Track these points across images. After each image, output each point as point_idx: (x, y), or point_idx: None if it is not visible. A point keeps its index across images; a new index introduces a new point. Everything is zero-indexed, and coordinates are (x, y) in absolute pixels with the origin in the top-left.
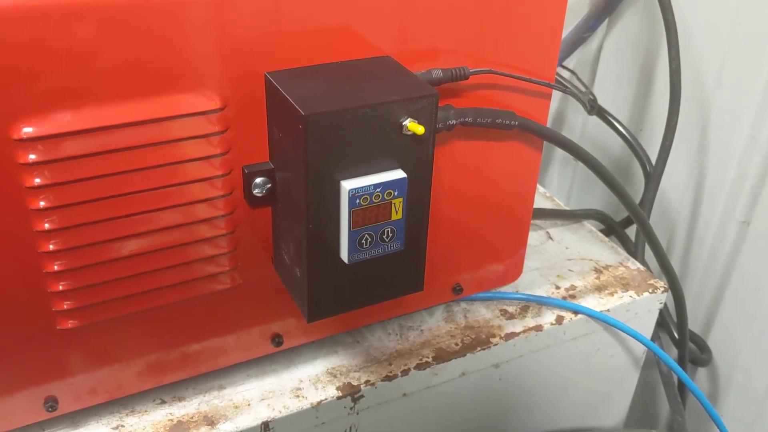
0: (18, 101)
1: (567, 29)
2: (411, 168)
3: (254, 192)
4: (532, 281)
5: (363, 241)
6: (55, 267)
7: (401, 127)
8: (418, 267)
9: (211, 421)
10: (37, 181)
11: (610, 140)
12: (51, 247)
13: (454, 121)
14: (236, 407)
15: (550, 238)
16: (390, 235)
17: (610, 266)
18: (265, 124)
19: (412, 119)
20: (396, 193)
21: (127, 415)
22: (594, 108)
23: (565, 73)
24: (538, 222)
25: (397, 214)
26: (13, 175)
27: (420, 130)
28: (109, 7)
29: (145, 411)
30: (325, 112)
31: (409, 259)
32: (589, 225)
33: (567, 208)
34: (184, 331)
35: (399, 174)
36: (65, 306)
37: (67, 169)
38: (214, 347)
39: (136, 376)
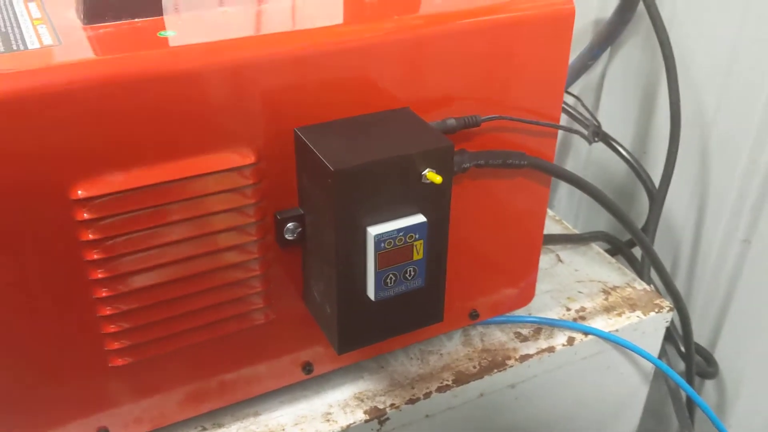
0: (74, 166)
1: (572, 56)
2: (430, 212)
3: (286, 236)
4: (544, 304)
5: (388, 280)
6: (108, 311)
7: (421, 176)
8: (437, 300)
9: None
10: (91, 236)
11: (614, 164)
12: (104, 293)
13: (468, 164)
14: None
15: (560, 260)
16: (412, 273)
17: (618, 287)
18: (294, 173)
19: (430, 169)
20: (417, 236)
21: None
22: (598, 135)
23: (570, 99)
24: (548, 246)
25: (418, 254)
26: (71, 231)
27: (438, 179)
28: (152, 77)
29: None
30: (352, 167)
31: (430, 293)
32: (597, 247)
33: (575, 230)
34: (222, 363)
35: (420, 219)
36: (117, 345)
37: (117, 225)
38: (249, 377)
39: (178, 405)
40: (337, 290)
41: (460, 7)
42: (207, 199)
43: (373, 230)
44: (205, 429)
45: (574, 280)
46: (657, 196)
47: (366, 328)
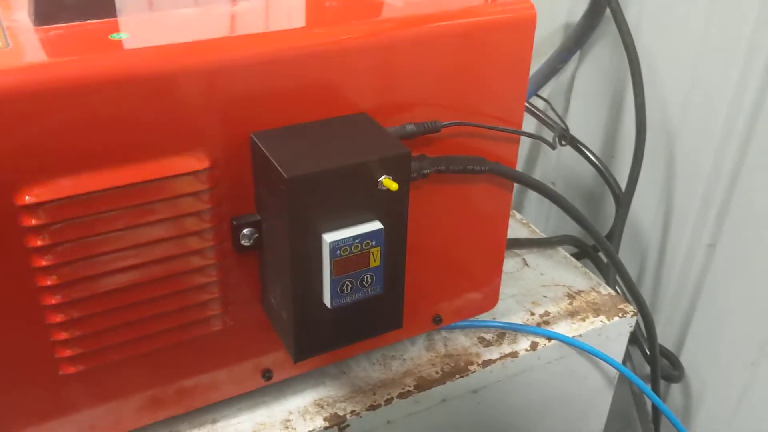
0: (21, 171)
1: (542, 59)
2: (387, 219)
3: (242, 242)
4: (508, 308)
5: (344, 288)
6: (58, 318)
7: (377, 183)
8: (397, 306)
9: None
10: (40, 242)
11: (583, 168)
12: (54, 300)
13: (428, 170)
14: None
15: (526, 264)
16: (369, 280)
17: (583, 291)
18: (251, 178)
19: (387, 176)
20: (374, 243)
21: None
22: (566, 138)
23: (540, 103)
24: (514, 250)
25: (375, 261)
26: (18, 237)
27: (394, 186)
28: (103, 81)
29: None
30: (306, 174)
31: (388, 300)
32: (564, 251)
33: (543, 234)
34: (179, 369)
35: (376, 225)
36: (68, 353)
37: (67, 230)
38: (207, 383)
39: (134, 412)
40: (293, 297)
41: (421, 12)
42: (160, 204)
43: (329, 237)
44: None
45: (540, 285)
46: (623, 201)
47: (323, 335)
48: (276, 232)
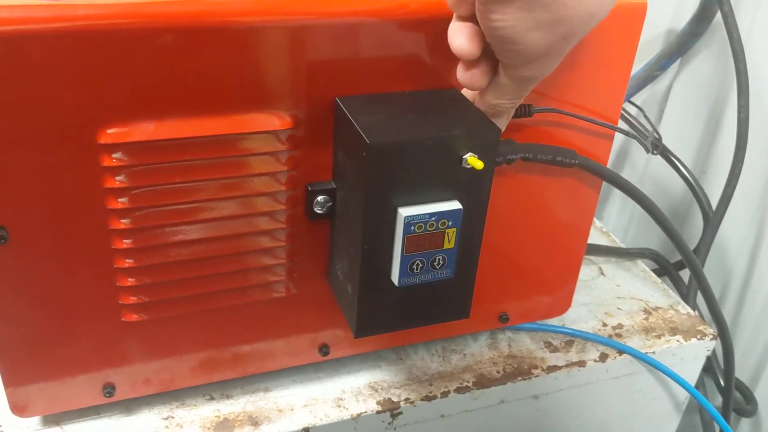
0: (106, 108)
1: (639, 65)
2: (467, 200)
3: (315, 209)
4: (579, 316)
5: (414, 267)
6: (127, 264)
7: (461, 160)
8: (465, 295)
9: (255, 421)
10: (117, 184)
11: (672, 181)
12: (124, 245)
13: (514, 156)
14: (280, 411)
15: (602, 274)
16: (441, 262)
17: (660, 308)
18: (330, 145)
19: (472, 154)
20: (450, 223)
21: (177, 407)
22: (658, 148)
23: (633, 110)
24: (591, 257)
25: (449, 243)
26: (96, 177)
27: (479, 165)
28: (195, 27)
29: (194, 405)
30: (389, 142)
31: (458, 287)
32: (643, 264)
33: (622, 244)
34: (237, 332)
35: (455, 205)
36: (132, 300)
37: (143, 175)
38: (264, 351)
39: (189, 371)
40: (361, 271)
41: None
42: (239, 160)
43: (404, 211)
44: (212, 398)
45: (615, 296)
46: (713, 219)
47: (387, 314)
48: (351, 201)
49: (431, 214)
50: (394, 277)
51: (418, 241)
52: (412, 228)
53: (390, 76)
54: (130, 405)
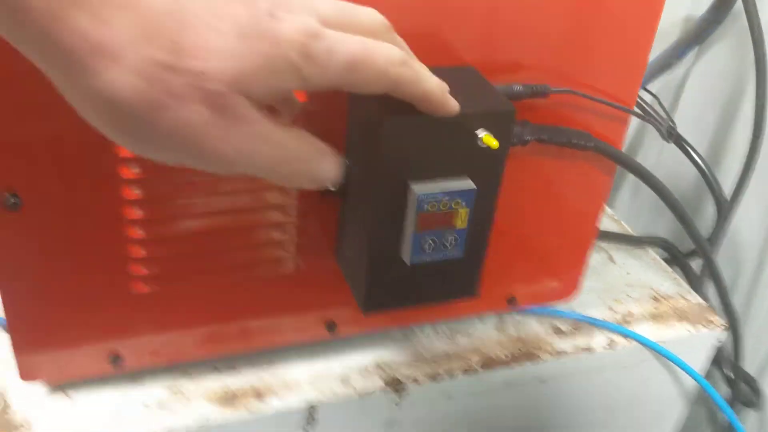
0: None
1: (655, 52)
2: (481, 180)
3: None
4: (588, 301)
5: (425, 245)
6: (138, 235)
7: (476, 139)
8: (475, 274)
9: (260, 394)
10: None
11: (685, 169)
12: (136, 215)
13: (529, 138)
14: (285, 385)
15: (612, 260)
16: (452, 242)
17: (670, 297)
18: (344, 120)
19: (487, 133)
20: (463, 203)
21: (182, 378)
22: (672, 135)
23: (648, 97)
24: (601, 244)
25: (461, 222)
26: (109, 144)
27: (494, 144)
28: None
29: (200, 377)
30: (403, 117)
31: (468, 266)
32: (653, 252)
33: (633, 232)
34: (244, 307)
35: (468, 185)
36: (143, 272)
37: None
38: (270, 326)
39: (196, 344)
40: (370, 246)
41: None
42: None
43: (418, 188)
44: (217, 369)
45: (624, 283)
46: (726, 209)
47: (396, 291)
48: (364, 176)
49: (445, 193)
50: (405, 255)
51: (430, 219)
52: (425, 206)
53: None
54: (135, 375)
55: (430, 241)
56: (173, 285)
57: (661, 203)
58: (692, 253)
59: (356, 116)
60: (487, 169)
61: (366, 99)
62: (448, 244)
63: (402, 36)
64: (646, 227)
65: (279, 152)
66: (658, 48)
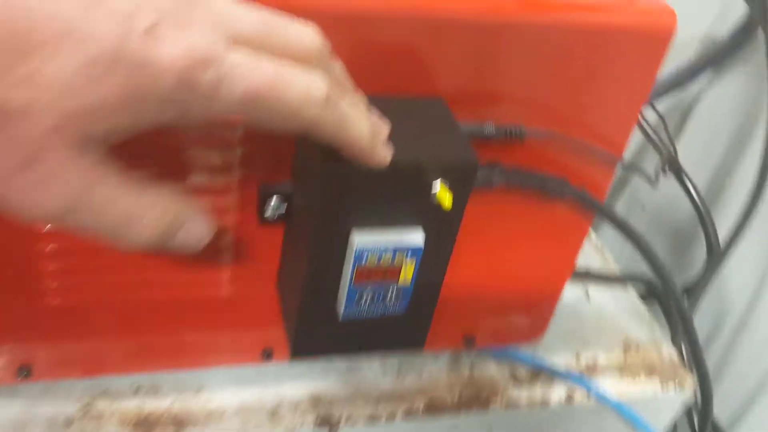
0: None
1: (668, 68)
2: (432, 233)
3: (266, 213)
4: (554, 344)
5: (363, 300)
6: (50, 247)
7: (429, 190)
8: (421, 328)
9: (180, 423)
10: None
11: (681, 200)
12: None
13: (498, 182)
14: (209, 415)
15: (587, 297)
16: (394, 298)
17: (642, 346)
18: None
19: (443, 184)
20: (409, 258)
21: (99, 395)
22: (671, 165)
23: (652, 116)
24: (578, 280)
25: (406, 278)
26: None
27: (447, 202)
28: None
29: (118, 395)
30: (345, 164)
31: (413, 320)
32: (634, 292)
33: (615, 266)
34: (172, 325)
35: (416, 240)
36: (54, 285)
37: None
38: (202, 346)
39: (116, 358)
40: (303, 293)
41: None
42: (178, 144)
43: (357, 238)
44: (139, 390)
45: (596, 325)
46: (717, 255)
47: (328, 339)
48: (303, 213)
49: (388, 246)
50: (339, 308)
51: (369, 273)
52: (365, 258)
53: (369, 74)
54: (48, 387)
55: (368, 295)
56: (89, 299)
57: (661, 229)
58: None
59: (301, 140)
60: (441, 223)
61: None
62: (388, 300)
63: (358, 58)
64: (633, 258)
65: (116, 212)
66: (671, 63)
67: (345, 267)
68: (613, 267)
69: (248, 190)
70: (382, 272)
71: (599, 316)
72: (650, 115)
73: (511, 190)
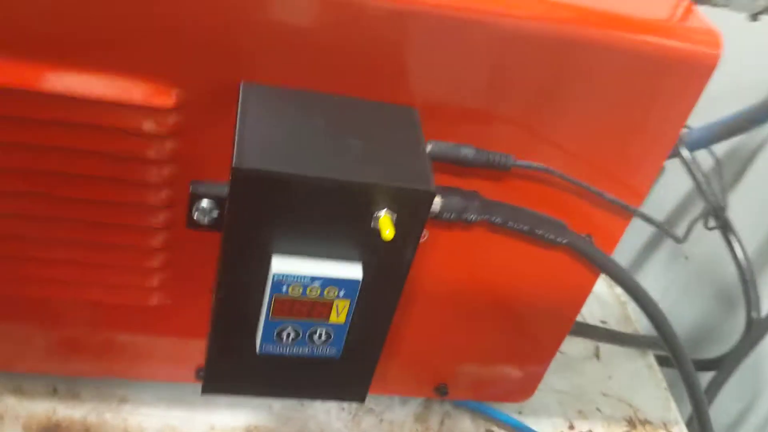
0: None
1: (733, 108)
2: (374, 268)
3: (195, 216)
4: (543, 407)
5: (284, 335)
6: None
7: (370, 217)
8: (360, 377)
9: None
10: None
11: (723, 261)
12: None
13: (475, 217)
14: None
15: (597, 356)
16: (323, 337)
17: (649, 423)
18: (228, 132)
19: (388, 212)
20: (341, 294)
21: (10, 392)
22: (718, 219)
23: (707, 161)
24: (588, 337)
25: (338, 317)
26: None
27: (388, 233)
28: None
29: (31, 396)
30: (266, 171)
31: (350, 367)
32: (653, 357)
33: (638, 323)
34: (96, 329)
35: (352, 272)
36: None
37: None
38: (132, 354)
39: (31, 355)
40: (215, 319)
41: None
42: (99, 133)
43: (277, 264)
44: (56, 392)
45: (600, 390)
46: (756, 328)
47: (246, 376)
48: (223, 224)
49: (314, 277)
50: (257, 342)
51: (291, 306)
52: (284, 288)
53: (331, 70)
54: None
55: (290, 331)
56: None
57: (701, 286)
58: (706, 364)
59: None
60: (386, 258)
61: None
62: (317, 340)
63: (330, 45)
64: (671, 311)
65: None
66: (737, 105)
67: (264, 296)
68: (633, 325)
69: (184, 188)
70: (307, 307)
71: (606, 380)
72: (705, 159)
73: (495, 228)
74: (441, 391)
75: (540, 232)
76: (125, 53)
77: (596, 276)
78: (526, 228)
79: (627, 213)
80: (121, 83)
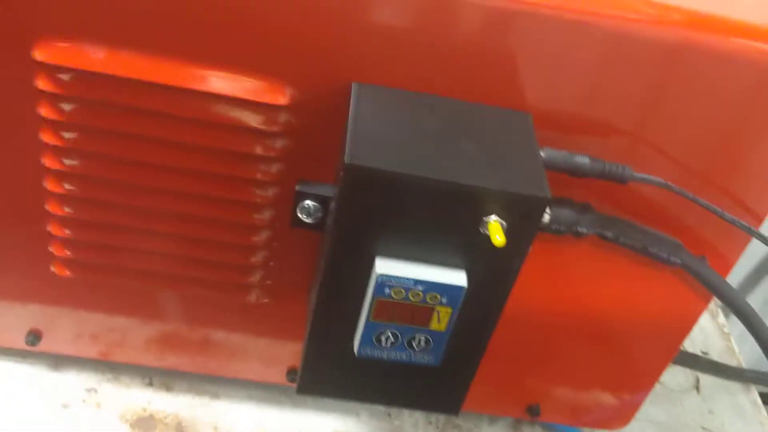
0: (47, 16)
1: None
2: (480, 276)
3: (300, 215)
4: None
5: (383, 338)
6: (61, 210)
7: (480, 222)
8: (456, 389)
9: (181, 430)
10: (55, 111)
11: None
12: (60, 188)
13: (586, 230)
14: (215, 429)
15: (697, 388)
16: (422, 344)
17: None
18: (337, 134)
19: (497, 219)
20: (444, 301)
21: (108, 380)
22: None
23: None
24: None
25: (439, 323)
26: (30, 99)
27: (499, 240)
28: None
29: (127, 385)
30: (376, 169)
31: (447, 378)
32: (757, 393)
33: (740, 358)
34: (193, 324)
35: (457, 279)
36: (65, 254)
37: (89, 111)
38: (226, 352)
39: (126, 346)
40: (314, 320)
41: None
42: (211, 128)
43: (382, 265)
44: (151, 384)
45: (699, 425)
46: None
47: (343, 380)
48: (329, 225)
49: (418, 281)
50: (355, 344)
51: (393, 309)
52: (387, 290)
53: (445, 74)
54: (59, 361)
55: (390, 335)
56: (100, 278)
57: None
58: None
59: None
60: (493, 265)
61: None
62: (416, 346)
63: (446, 50)
64: None
65: None
66: None
67: (366, 296)
68: (737, 358)
69: (284, 186)
70: (408, 311)
71: (707, 414)
72: None
73: (606, 243)
74: (533, 411)
75: (653, 250)
76: (245, 53)
77: (707, 302)
78: (639, 245)
79: (744, 235)
80: (238, 81)
